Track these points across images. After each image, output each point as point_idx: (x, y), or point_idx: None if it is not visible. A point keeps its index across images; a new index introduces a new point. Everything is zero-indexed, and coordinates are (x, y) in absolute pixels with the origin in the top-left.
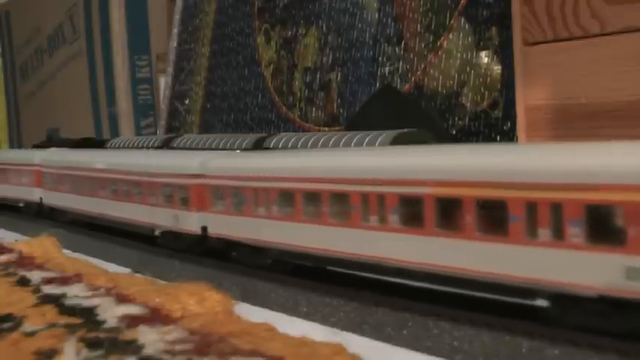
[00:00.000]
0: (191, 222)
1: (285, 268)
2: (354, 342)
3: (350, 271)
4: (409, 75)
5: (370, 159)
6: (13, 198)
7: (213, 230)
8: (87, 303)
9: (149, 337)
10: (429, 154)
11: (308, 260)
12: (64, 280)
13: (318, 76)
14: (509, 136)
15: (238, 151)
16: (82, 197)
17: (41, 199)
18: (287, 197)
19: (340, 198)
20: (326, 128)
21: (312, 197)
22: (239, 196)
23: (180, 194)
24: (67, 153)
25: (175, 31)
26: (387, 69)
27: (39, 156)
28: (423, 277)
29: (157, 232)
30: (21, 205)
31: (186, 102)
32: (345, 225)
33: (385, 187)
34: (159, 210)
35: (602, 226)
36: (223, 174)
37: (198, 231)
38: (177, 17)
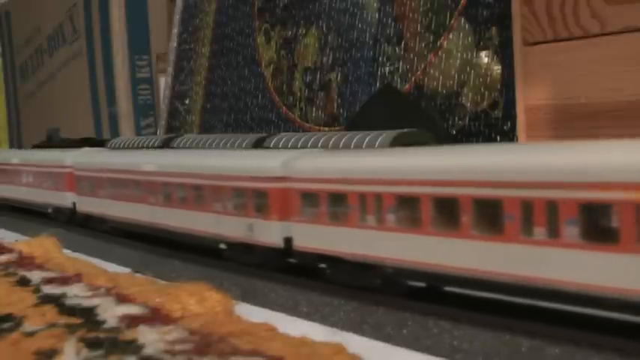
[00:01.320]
0: (271, 233)
1: (398, 290)
2: (354, 342)
3: (502, 297)
4: (409, 75)
5: (537, 156)
6: (40, 203)
7: (301, 242)
8: (87, 303)
9: (149, 337)
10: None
11: (437, 281)
12: (64, 280)
13: (318, 76)
14: (510, 136)
15: (317, 149)
16: (127, 204)
17: (74, 204)
18: (408, 204)
19: (488, 205)
20: (326, 128)
21: (446, 204)
22: (339, 203)
23: (256, 200)
24: (106, 154)
25: (175, 31)
26: (387, 69)
27: (71, 157)
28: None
29: (222, 245)
30: (49, 210)
31: (186, 102)
32: (497, 239)
33: (559, 190)
34: (227, 219)
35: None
36: (315, 176)
37: (280, 243)
38: (177, 17)
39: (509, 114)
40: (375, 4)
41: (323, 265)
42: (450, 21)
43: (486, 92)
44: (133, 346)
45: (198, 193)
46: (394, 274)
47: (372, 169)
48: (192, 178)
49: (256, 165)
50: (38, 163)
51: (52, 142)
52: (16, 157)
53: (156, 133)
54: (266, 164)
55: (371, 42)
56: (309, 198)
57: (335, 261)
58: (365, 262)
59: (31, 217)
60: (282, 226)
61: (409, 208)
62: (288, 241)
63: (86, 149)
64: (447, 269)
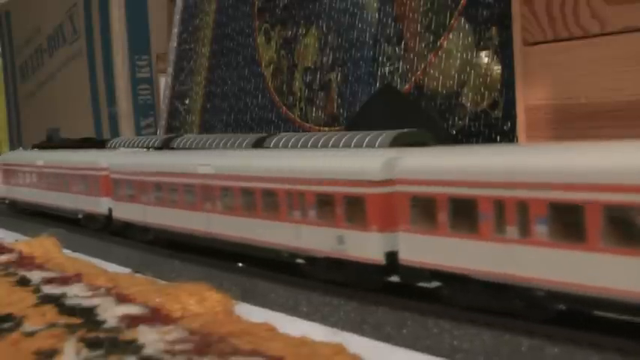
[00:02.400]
0: (369, 246)
1: (543, 315)
2: (354, 342)
3: None
4: (409, 75)
5: None
6: (69, 209)
7: (410, 257)
8: (87, 303)
9: (149, 337)
10: None
11: (600, 306)
12: (64, 280)
13: (318, 76)
14: (510, 137)
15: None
16: (177, 211)
17: (110, 211)
18: (568, 213)
19: None
20: (326, 128)
21: (624, 214)
22: (464, 210)
23: (348, 207)
24: (147, 155)
25: (175, 31)
26: (387, 69)
27: (107, 158)
28: None
29: (300, 260)
30: (79, 217)
31: (186, 102)
32: None
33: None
34: (309, 229)
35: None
36: (432, 178)
37: (381, 259)
38: (177, 17)
39: (509, 114)
40: (375, 4)
41: (437, 284)
42: (450, 21)
43: (486, 92)
44: (133, 346)
45: (270, 200)
46: (545, 297)
47: (513, 169)
48: (264, 182)
49: (349, 167)
50: (68, 165)
51: (52, 142)
52: (40, 158)
53: (156, 133)
54: (363, 166)
55: (371, 42)
56: (423, 204)
57: (456, 279)
58: (500, 282)
59: (31, 217)
60: (383, 238)
61: (570, 219)
62: (391, 255)
63: (123, 150)
64: (618, 293)
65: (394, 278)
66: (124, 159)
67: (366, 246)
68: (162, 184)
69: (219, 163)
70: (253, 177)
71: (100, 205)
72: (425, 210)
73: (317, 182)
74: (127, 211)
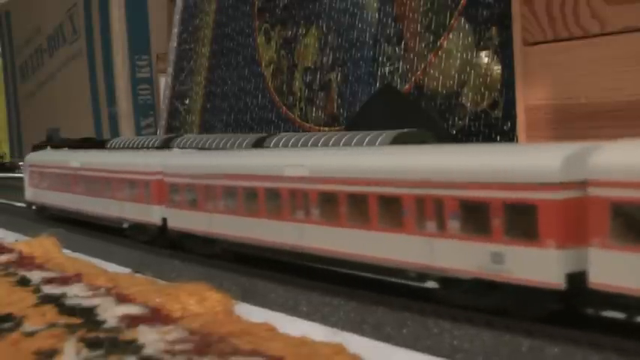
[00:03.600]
0: (542, 266)
1: None
2: (354, 342)
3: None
4: (409, 75)
5: None
6: (111, 217)
7: (612, 282)
8: (87, 303)
9: (149, 337)
10: None
11: None
12: (64, 280)
13: (318, 76)
14: (510, 136)
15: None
16: (256, 221)
17: (165, 221)
18: None
19: None
20: (326, 128)
21: None
22: None
23: (510, 218)
24: (214, 156)
25: (175, 31)
26: (387, 69)
27: (161, 160)
28: None
29: (431, 283)
30: (124, 226)
31: (186, 102)
32: None
33: None
34: (448, 244)
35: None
36: None
37: (560, 282)
38: (177, 17)
39: (509, 114)
40: (375, 4)
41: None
42: (450, 21)
43: (486, 92)
44: (133, 346)
45: (390, 207)
46: None
47: None
48: (381, 186)
49: (511, 165)
50: (110, 167)
51: (52, 142)
52: (76, 159)
53: (156, 133)
54: (533, 164)
55: (371, 42)
56: (631, 213)
57: None
58: None
59: (31, 217)
60: (564, 256)
61: None
62: (574, 278)
63: (177, 150)
64: None
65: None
66: (182, 160)
67: (537, 266)
68: (236, 188)
69: (316, 163)
70: (365, 180)
71: (152, 213)
72: (633, 221)
73: (461, 186)
74: (186, 221)
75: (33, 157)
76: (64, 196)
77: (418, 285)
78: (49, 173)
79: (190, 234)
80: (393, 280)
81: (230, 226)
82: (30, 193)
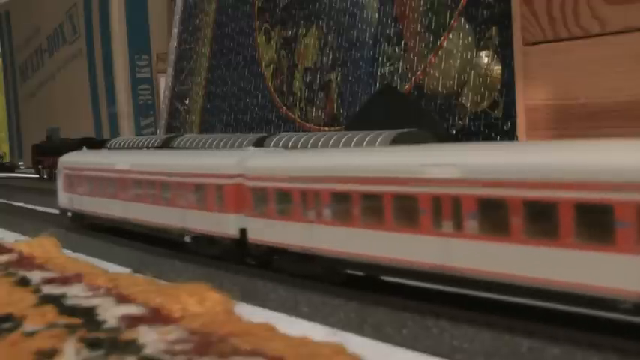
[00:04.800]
0: None
1: None
2: (354, 342)
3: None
4: (409, 75)
5: None
6: (170, 227)
7: None
8: (87, 303)
9: (149, 337)
10: None
11: None
12: (64, 280)
13: (318, 76)
14: (510, 136)
15: None
16: (379, 234)
17: (244, 232)
18: None
19: None
20: (326, 128)
21: None
22: None
23: None
24: (313, 155)
25: (175, 31)
26: (387, 69)
27: (239, 161)
28: None
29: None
30: (186, 239)
31: (186, 102)
32: None
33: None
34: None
35: None
36: None
37: None
38: (177, 17)
39: (509, 114)
40: (375, 4)
41: None
42: (450, 21)
43: (486, 92)
44: (133, 346)
45: (585, 218)
46: None
47: None
48: (579, 192)
49: None
50: (170, 170)
51: (52, 142)
52: (125, 160)
53: (156, 133)
54: None
55: (371, 42)
56: None
57: None
58: None
59: (31, 218)
60: None
61: None
62: None
63: (252, 149)
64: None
65: None
66: (271, 161)
67: None
68: (349, 194)
69: (473, 162)
70: (554, 183)
71: (227, 223)
72: None
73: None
74: (275, 232)
75: (68, 159)
76: (108, 203)
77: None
78: (89, 177)
79: (280, 249)
80: (597, 313)
81: (339, 240)
82: (65, 199)
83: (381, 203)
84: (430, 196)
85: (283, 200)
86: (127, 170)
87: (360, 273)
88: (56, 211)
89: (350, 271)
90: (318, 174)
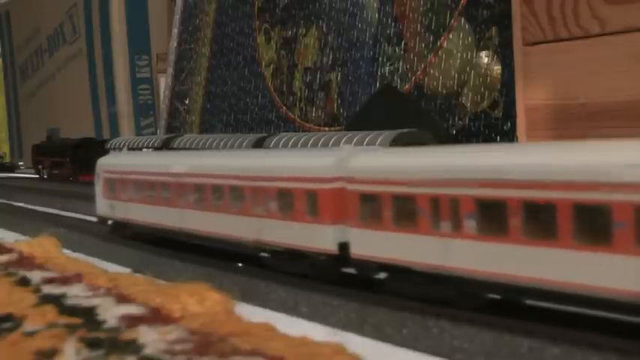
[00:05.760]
0: None
1: None
2: (354, 342)
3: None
4: (409, 75)
5: None
6: (241, 240)
7: None
8: (87, 303)
9: (149, 337)
10: None
11: None
12: (64, 280)
13: (318, 76)
14: (509, 136)
15: None
16: (550, 252)
17: (344, 247)
18: None
19: None
20: (326, 128)
21: None
22: None
23: None
24: (449, 155)
25: (175, 31)
26: (387, 69)
27: (336, 161)
28: None
29: None
30: (263, 254)
31: (186, 102)
32: None
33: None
34: None
35: None
36: None
37: None
38: (177, 17)
39: (509, 114)
40: (375, 4)
41: None
42: (450, 21)
43: (486, 92)
44: (133, 346)
45: None
46: None
47: None
48: None
49: None
50: (243, 173)
51: (52, 142)
52: (181, 162)
53: (156, 133)
54: None
55: (371, 42)
56: None
57: None
58: None
59: (31, 218)
60: None
61: None
62: None
63: (349, 147)
64: None
65: None
66: (385, 159)
67: None
68: (509, 201)
69: None
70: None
71: (321, 236)
72: None
73: None
74: (392, 248)
75: (109, 161)
76: (161, 212)
77: None
78: (136, 181)
79: (396, 267)
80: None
81: (486, 258)
82: (104, 206)
83: (553, 214)
84: (632, 207)
85: (404, 208)
86: (185, 173)
87: (506, 297)
88: (56, 211)
89: (493, 296)
90: (457, 176)
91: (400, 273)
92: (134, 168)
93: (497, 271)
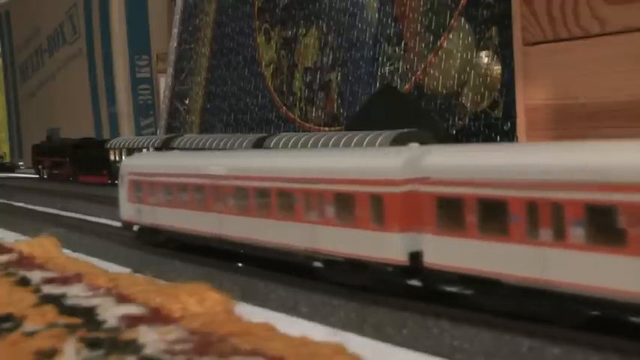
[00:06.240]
0: None
1: None
2: (354, 342)
3: None
4: (409, 75)
5: None
6: (292, 249)
7: None
8: (87, 303)
9: (149, 337)
10: None
11: None
12: (64, 280)
13: (318, 76)
14: (509, 136)
15: None
16: None
17: (415, 256)
18: None
19: None
20: (326, 128)
21: None
22: None
23: None
24: (538, 150)
25: (175, 31)
26: (387, 69)
27: (410, 160)
28: None
29: None
30: (317, 264)
31: (186, 102)
32: None
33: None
34: None
35: None
36: None
37: None
38: (177, 17)
39: (509, 114)
40: (375, 4)
41: None
42: (450, 21)
43: (486, 92)
44: (133, 346)
45: None
46: None
47: None
48: None
49: None
50: (295, 174)
51: (52, 142)
52: (218, 162)
53: (156, 133)
54: None
55: (371, 42)
56: None
57: None
58: None
59: (31, 218)
60: None
61: None
62: None
63: (414, 145)
64: None
65: None
66: (468, 158)
67: None
68: (623, 207)
69: None
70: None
71: (389, 245)
72: None
73: None
74: (479, 258)
75: (135, 162)
76: (196, 217)
77: None
78: (167, 183)
79: (486, 280)
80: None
81: (597, 271)
82: (130, 210)
83: None
84: None
85: (492, 213)
86: (225, 175)
87: (610, 314)
88: (56, 211)
89: (597, 313)
90: (563, 177)
91: (483, 286)
92: (165, 169)
93: (610, 286)
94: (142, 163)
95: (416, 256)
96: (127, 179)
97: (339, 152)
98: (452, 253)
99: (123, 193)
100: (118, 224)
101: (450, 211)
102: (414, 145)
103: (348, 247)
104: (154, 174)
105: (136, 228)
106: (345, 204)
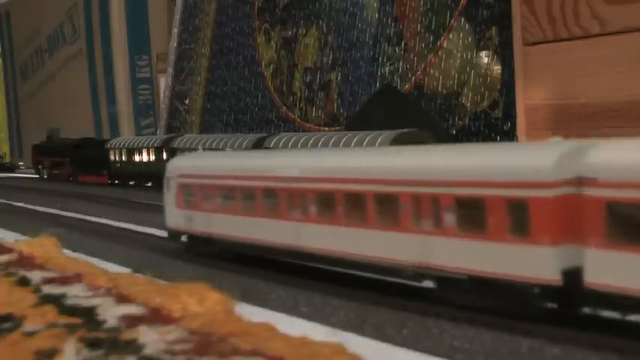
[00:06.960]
0: None
1: None
2: (354, 342)
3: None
4: (409, 75)
5: None
6: (396, 264)
7: None
8: (87, 303)
9: (149, 337)
10: None
11: None
12: (64, 280)
13: (318, 76)
14: (509, 136)
15: None
16: None
17: (571, 275)
18: None
19: None
20: (326, 128)
21: None
22: None
23: None
24: None
25: (175, 31)
26: (387, 69)
27: (563, 158)
28: None
29: None
30: (425, 283)
31: (186, 102)
32: None
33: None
34: None
35: None
36: None
37: None
38: (177, 17)
39: (509, 114)
40: (375, 4)
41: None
42: (450, 21)
43: (486, 92)
44: (133, 346)
45: None
46: None
47: None
48: None
49: None
50: (399, 176)
51: (52, 142)
52: (291, 163)
53: (156, 133)
54: None
55: (371, 42)
56: None
57: None
58: None
59: (31, 218)
60: None
61: None
62: None
63: (556, 139)
64: None
65: None
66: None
67: None
68: None
69: None
70: None
71: (536, 261)
72: None
73: None
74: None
75: (184, 163)
76: (264, 225)
77: None
78: (226, 187)
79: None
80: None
81: None
82: (178, 217)
83: None
84: None
85: None
86: (302, 177)
87: None
88: (55, 211)
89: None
90: None
91: None
92: (220, 172)
93: None
94: (193, 164)
95: (571, 274)
96: (176, 182)
97: (460, 149)
98: (629, 271)
99: (169, 198)
100: (118, 224)
101: (626, 220)
102: (558, 140)
103: (474, 263)
104: (209, 176)
105: (184, 238)
106: (470, 211)
